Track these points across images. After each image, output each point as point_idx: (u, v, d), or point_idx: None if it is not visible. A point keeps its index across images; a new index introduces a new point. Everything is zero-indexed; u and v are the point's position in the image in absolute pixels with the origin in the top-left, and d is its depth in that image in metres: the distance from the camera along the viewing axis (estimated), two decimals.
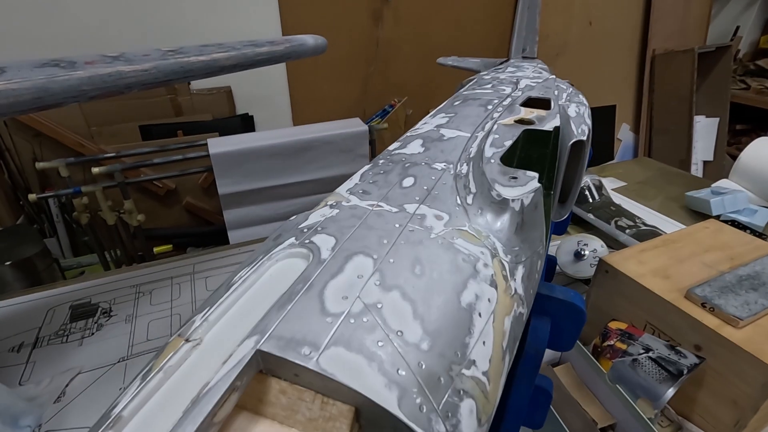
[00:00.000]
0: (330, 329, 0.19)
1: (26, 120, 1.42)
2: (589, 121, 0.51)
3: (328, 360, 0.18)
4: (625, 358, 0.59)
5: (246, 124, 1.76)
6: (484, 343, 0.21)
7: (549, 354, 0.70)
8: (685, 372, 0.55)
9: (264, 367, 0.19)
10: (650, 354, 0.58)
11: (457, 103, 0.52)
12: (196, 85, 1.67)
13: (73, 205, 1.40)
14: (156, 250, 1.67)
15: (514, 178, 0.28)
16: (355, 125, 1.54)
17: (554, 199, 0.50)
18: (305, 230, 0.26)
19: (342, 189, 0.31)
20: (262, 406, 0.18)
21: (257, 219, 1.51)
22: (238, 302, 0.21)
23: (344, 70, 1.92)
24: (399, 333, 0.19)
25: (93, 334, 0.75)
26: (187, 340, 0.19)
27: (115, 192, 1.36)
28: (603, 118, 2.43)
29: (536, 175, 0.28)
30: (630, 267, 0.67)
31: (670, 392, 0.54)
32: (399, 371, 0.18)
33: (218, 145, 1.37)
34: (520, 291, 0.26)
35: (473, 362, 0.20)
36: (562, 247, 0.91)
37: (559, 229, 0.82)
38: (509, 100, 0.50)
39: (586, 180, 1.10)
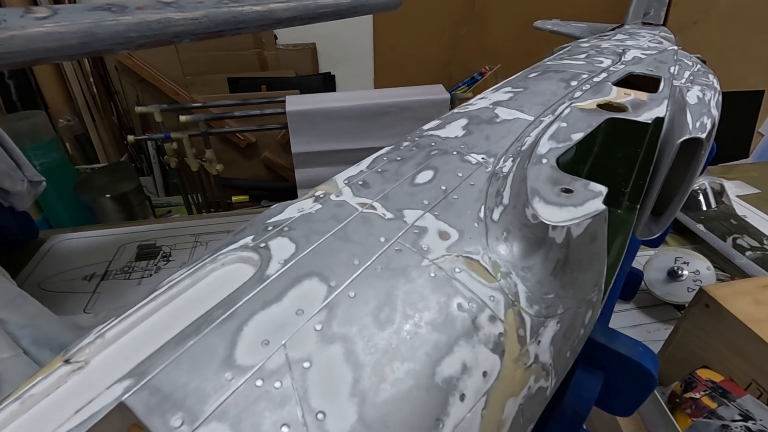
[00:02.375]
0: (224, 392, 0.13)
1: (132, 65, 1.54)
2: (715, 112, 0.38)
3: None
4: (711, 421, 0.47)
5: (327, 83, 1.74)
6: None
7: None
8: None
9: (142, 425, 0.14)
10: (750, 425, 0.45)
11: (533, 75, 0.42)
12: (282, 40, 1.67)
13: (164, 149, 1.51)
14: (234, 199, 1.76)
15: (567, 191, 0.19)
16: (437, 92, 1.44)
17: (644, 214, 0.38)
18: (269, 228, 0.20)
19: (341, 176, 0.25)
20: None
21: None
22: (150, 318, 0.17)
23: (434, 31, 1.79)
24: (319, 415, 0.13)
25: (151, 275, 0.80)
26: (66, 362, 0.15)
27: (199, 140, 1.43)
28: (742, 106, 1.99)
29: (603, 190, 0.19)
30: (742, 306, 0.52)
31: None
32: None
33: (295, 102, 1.36)
34: (545, 359, 0.18)
35: None
36: (653, 261, 0.76)
37: (652, 240, 0.68)
38: (604, 75, 0.38)
39: (702, 182, 0.90)
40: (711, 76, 0.46)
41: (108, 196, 1.43)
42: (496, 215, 0.20)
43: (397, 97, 1.42)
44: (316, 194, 0.23)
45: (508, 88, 0.38)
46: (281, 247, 0.19)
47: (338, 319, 0.15)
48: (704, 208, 0.88)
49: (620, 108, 0.29)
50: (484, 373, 0.16)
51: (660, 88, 0.32)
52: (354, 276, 0.17)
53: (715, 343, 0.53)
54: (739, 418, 0.45)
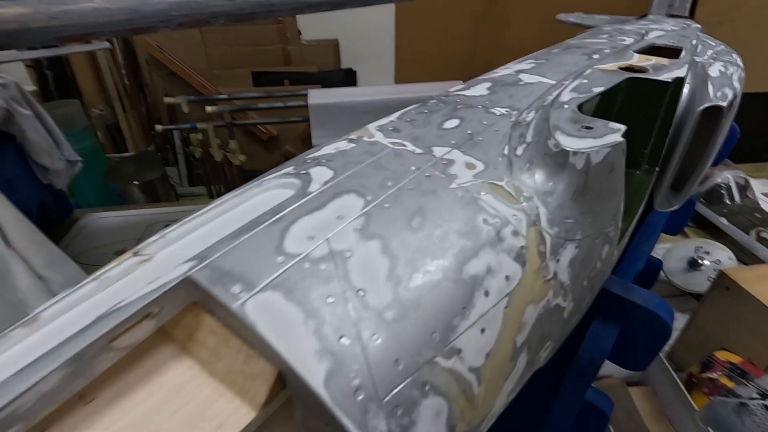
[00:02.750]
0: (276, 270, 0.15)
1: (162, 59, 1.59)
2: (737, 85, 0.38)
3: (256, 305, 0.14)
4: (729, 399, 0.47)
5: (348, 78, 1.77)
6: (482, 330, 0.16)
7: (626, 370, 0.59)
8: None
9: (201, 300, 0.16)
10: (767, 402, 0.45)
11: (555, 50, 0.43)
12: (306, 35, 1.70)
13: (190, 140, 1.55)
14: None
15: (588, 128, 0.21)
16: None
17: (664, 182, 0.39)
18: (308, 161, 0.22)
19: (372, 124, 0.27)
20: (190, 343, 0.16)
21: None
22: (205, 225, 0.19)
23: (455, 28, 1.80)
24: (360, 292, 0.15)
25: None
26: (135, 254, 0.17)
27: (223, 132, 1.48)
28: None
29: (621, 128, 0.20)
30: (764, 289, 0.52)
31: None
32: (341, 339, 0.13)
33: (318, 96, 1.39)
34: (564, 278, 0.19)
35: (457, 351, 0.15)
36: (673, 250, 0.75)
37: (671, 226, 0.68)
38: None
39: (727, 176, 0.89)
40: (734, 55, 0.47)
41: (135, 183, 1.48)
42: (519, 151, 0.21)
43: (417, 93, 1.43)
44: (350, 137, 0.25)
45: (531, 60, 0.39)
46: (320, 174, 0.20)
47: (374, 223, 0.17)
48: (728, 201, 0.87)
49: (641, 70, 0.30)
50: (507, 277, 0.17)
51: (681, 55, 0.33)
52: (389, 193, 0.19)
53: (735, 326, 0.53)
54: (758, 396, 0.45)
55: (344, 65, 1.79)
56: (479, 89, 0.31)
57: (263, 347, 0.14)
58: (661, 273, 0.75)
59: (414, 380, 0.14)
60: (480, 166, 0.21)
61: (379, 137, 0.24)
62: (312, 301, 0.14)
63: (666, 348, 0.64)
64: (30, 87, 1.54)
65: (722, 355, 0.51)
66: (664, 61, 0.32)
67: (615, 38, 0.46)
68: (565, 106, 0.24)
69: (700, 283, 0.69)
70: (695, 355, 0.56)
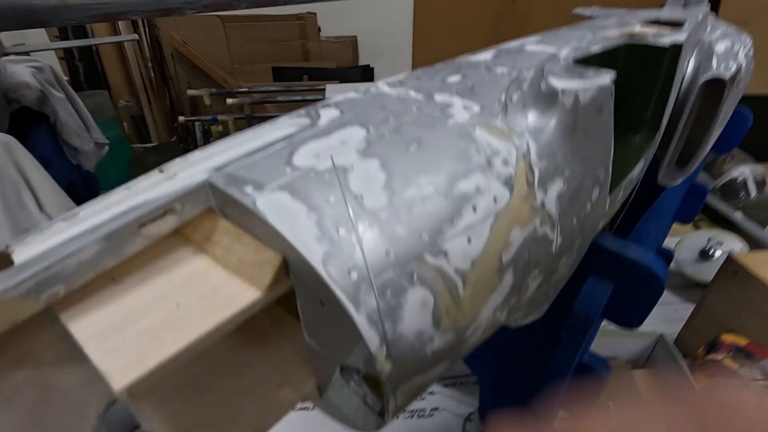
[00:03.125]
0: (284, 177, 0.17)
1: (186, 53, 1.65)
2: (743, 61, 0.39)
3: (266, 201, 0.16)
4: (731, 380, 0.47)
5: (366, 75, 1.79)
6: (469, 239, 0.17)
7: (631, 352, 0.59)
8: None
9: (217, 206, 0.18)
10: None
11: (563, 28, 0.44)
12: (326, 32, 1.73)
13: (211, 132, 1.60)
14: None
15: (581, 74, 0.22)
16: None
17: (668, 155, 0.40)
18: (318, 106, 0.24)
19: (380, 81, 0.28)
20: (207, 243, 0.18)
21: None
22: (223, 152, 0.21)
23: (473, 28, 1.81)
24: (358, 196, 0.16)
25: None
26: (160, 171, 0.19)
27: (242, 124, 1.52)
28: None
29: (611, 73, 0.22)
30: None
31: None
32: (339, 230, 0.15)
33: (335, 91, 1.42)
34: (551, 209, 0.21)
35: (444, 252, 0.16)
36: (685, 241, 0.75)
37: (682, 214, 0.68)
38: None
39: (744, 170, 0.88)
40: (744, 36, 0.47)
41: None
42: (515, 98, 0.23)
43: None
44: (358, 89, 0.27)
45: (538, 36, 0.41)
46: (329, 113, 0.22)
47: (375, 146, 0.19)
48: (743, 196, 0.86)
49: (642, 36, 0.31)
50: (495, 198, 0.18)
51: (684, 26, 0.34)
52: (390, 127, 0.20)
53: (742, 310, 0.53)
54: (761, 377, 0.45)
55: (362, 62, 1.82)
56: (484, 55, 0.33)
57: (270, 236, 0.16)
58: (673, 264, 0.75)
59: (402, 270, 0.15)
60: (476, 108, 0.22)
61: (385, 88, 0.26)
62: (315, 200, 0.16)
63: (673, 334, 0.63)
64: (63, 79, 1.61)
65: (728, 338, 0.51)
66: (665, 29, 0.33)
67: (623, 19, 0.47)
68: (561, 60, 0.25)
69: (711, 273, 0.68)
70: (702, 341, 0.56)
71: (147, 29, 1.62)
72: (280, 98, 1.48)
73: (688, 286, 0.74)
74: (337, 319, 0.15)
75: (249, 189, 0.16)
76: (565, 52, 0.27)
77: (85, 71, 1.61)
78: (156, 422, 0.19)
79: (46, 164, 0.72)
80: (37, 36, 1.45)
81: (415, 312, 0.16)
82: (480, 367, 0.49)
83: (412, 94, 0.24)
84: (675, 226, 0.79)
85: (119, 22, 1.56)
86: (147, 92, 1.67)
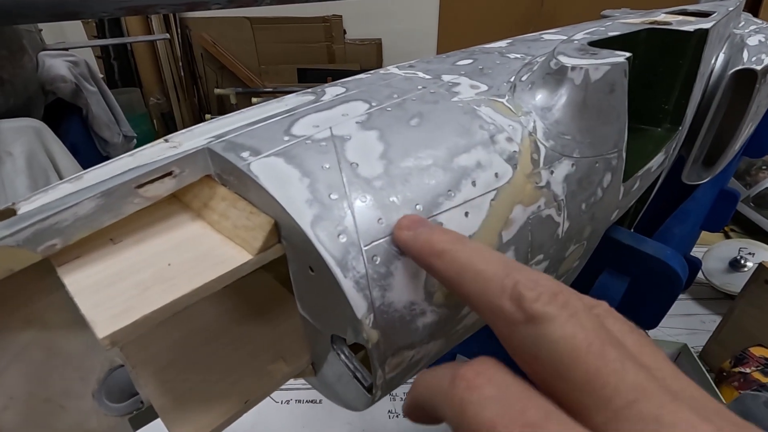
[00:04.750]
0: (281, 144, 0.17)
1: (215, 53, 1.70)
2: None
3: (261, 165, 0.16)
4: (760, 393, 0.44)
5: None
6: (466, 214, 0.17)
7: None
8: None
9: (215, 173, 0.18)
10: None
11: (586, 22, 0.43)
12: (351, 35, 1.75)
13: None
14: None
15: (593, 54, 0.21)
16: None
17: (693, 152, 0.38)
18: (325, 85, 0.24)
19: (392, 65, 0.28)
20: (204, 210, 0.18)
21: None
22: (227, 125, 0.21)
23: (499, 30, 1.79)
24: (353, 164, 0.16)
25: None
26: (166, 140, 0.20)
27: None
28: None
29: (627, 54, 0.21)
30: None
31: None
32: (331, 195, 0.15)
33: None
34: (558, 190, 0.20)
35: (439, 224, 0.16)
36: (714, 250, 0.71)
37: (711, 222, 0.64)
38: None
39: None
40: None
41: None
42: (524, 77, 0.22)
43: None
44: (368, 72, 0.26)
45: (559, 29, 0.40)
46: (334, 90, 0.22)
47: (375, 119, 0.19)
48: None
49: (664, 23, 0.30)
50: (496, 174, 0.18)
51: (711, 15, 0.33)
52: (393, 102, 0.20)
53: None
54: None
55: (386, 64, 1.83)
56: (500, 43, 0.32)
57: (264, 200, 0.15)
58: (700, 274, 0.71)
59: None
60: (484, 87, 0.22)
61: (394, 70, 0.26)
62: (309, 165, 0.16)
63: (699, 346, 0.60)
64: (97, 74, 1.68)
65: (758, 351, 0.48)
66: (691, 18, 0.32)
67: (648, 16, 0.45)
68: (576, 42, 0.24)
69: (740, 284, 0.65)
70: (729, 353, 0.53)
71: (179, 29, 1.68)
72: None
73: (716, 298, 0.70)
74: (326, 286, 0.15)
75: (245, 154, 0.16)
76: (581, 36, 0.26)
77: (119, 69, 1.67)
78: (151, 388, 0.19)
79: (76, 152, 0.75)
80: (77, 35, 1.52)
81: (406, 282, 0.15)
82: None
83: (420, 74, 0.24)
84: (704, 234, 0.76)
85: (153, 23, 1.61)
86: (177, 90, 1.72)
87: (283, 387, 0.24)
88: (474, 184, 0.17)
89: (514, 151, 0.19)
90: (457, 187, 0.17)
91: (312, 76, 1.78)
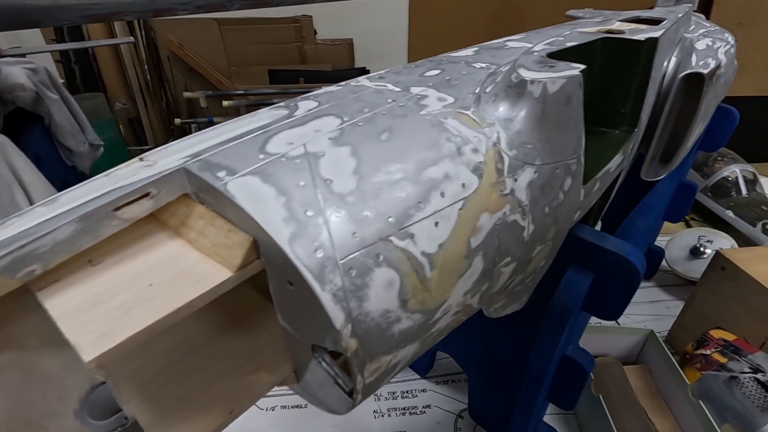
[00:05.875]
0: (256, 162, 0.17)
1: (182, 55, 1.66)
2: (723, 58, 0.40)
3: (237, 185, 0.16)
4: (720, 373, 0.47)
5: None
6: (436, 224, 0.18)
7: (622, 349, 0.60)
8: None
9: (192, 192, 0.18)
10: (758, 376, 0.45)
11: (548, 27, 0.45)
12: (322, 35, 1.74)
13: None
14: None
15: (551, 66, 0.22)
16: None
17: (650, 151, 0.40)
18: (298, 98, 0.25)
19: (362, 77, 0.29)
20: (182, 228, 0.18)
21: None
22: (201, 142, 0.21)
23: (469, 30, 1.82)
24: (327, 181, 0.17)
25: None
26: (140, 159, 0.20)
27: None
28: None
29: (581, 67, 0.22)
30: (760, 269, 0.52)
31: None
32: (306, 212, 0.16)
33: None
34: (522, 197, 0.21)
35: (411, 235, 0.17)
36: (676, 239, 0.75)
37: (672, 213, 0.68)
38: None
39: (734, 170, 0.88)
40: (727, 35, 0.48)
41: None
42: (488, 89, 0.24)
43: None
44: (339, 84, 0.27)
45: (522, 35, 0.41)
46: (307, 104, 0.23)
47: (347, 135, 0.19)
48: (734, 194, 0.86)
49: (619, 33, 0.32)
50: (463, 185, 0.19)
51: (662, 23, 0.35)
52: (364, 116, 0.21)
53: (730, 306, 0.53)
54: (749, 371, 0.46)
55: (358, 64, 1.83)
56: (466, 51, 0.33)
57: (241, 218, 0.16)
58: (664, 262, 0.75)
59: (368, 251, 0.16)
60: (450, 100, 0.23)
61: (364, 82, 0.26)
62: (284, 183, 0.16)
63: (665, 331, 0.64)
64: (58, 80, 1.62)
65: (717, 333, 0.52)
66: (643, 26, 0.34)
67: (608, 17, 0.48)
68: (536, 53, 0.25)
69: (701, 271, 0.69)
70: (692, 337, 0.56)
71: (143, 32, 1.63)
72: (276, 101, 1.48)
73: (679, 284, 0.74)
74: (305, 299, 0.15)
75: (222, 174, 0.17)
76: (540, 47, 0.28)
77: (81, 74, 1.61)
78: (134, 404, 0.20)
79: (40, 164, 0.73)
80: (33, 39, 1.46)
81: (381, 291, 0.16)
82: (469, 363, 0.49)
83: (390, 86, 0.25)
84: (666, 225, 0.80)
85: (115, 25, 1.56)
86: (143, 95, 1.67)
87: (267, 394, 0.24)
88: (443, 195, 0.18)
89: (480, 162, 0.20)
90: (426, 198, 0.18)
91: (284, 77, 1.76)
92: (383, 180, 0.18)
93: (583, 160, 0.24)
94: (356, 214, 0.16)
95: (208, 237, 0.17)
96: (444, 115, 0.21)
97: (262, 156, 0.18)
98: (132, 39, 1.37)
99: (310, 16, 1.71)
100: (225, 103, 1.41)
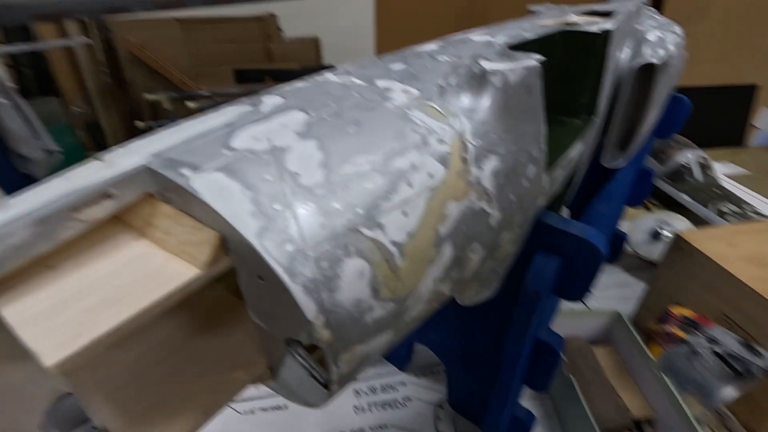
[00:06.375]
0: (221, 158, 0.17)
1: (143, 56, 1.60)
2: (672, 48, 0.42)
3: (202, 181, 0.16)
4: (681, 348, 0.50)
5: None
6: (404, 213, 0.18)
7: (591, 331, 0.62)
8: (756, 373, 0.44)
9: (155, 191, 0.18)
10: (715, 348, 0.48)
11: (511, 21, 0.46)
12: (288, 33, 1.72)
13: None
14: None
15: (511, 57, 0.23)
16: None
17: (609, 139, 0.42)
18: (262, 93, 0.24)
19: (327, 71, 0.29)
20: (147, 228, 0.18)
21: None
22: (162, 139, 0.21)
23: (435, 25, 1.84)
24: (294, 174, 0.17)
25: None
26: (97, 159, 0.19)
27: None
28: (736, 99, 2.02)
29: (540, 58, 0.23)
30: (715, 247, 0.55)
31: (730, 392, 0.44)
32: (274, 205, 0.16)
33: None
34: (487, 185, 0.22)
35: (379, 225, 0.17)
36: (637, 224, 0.79)
37: (632, 198, 0.71)
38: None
39: (688, 155, 0.93)
40: (676, 27, 0.50)
41: None
42: (452, 81, 0.24)
43: None
44: (305, 79, 0.27)
45: (485, 28, 0.42)
46: (272, 100, 0.23)
47: (314, 128, 0.19)
48: (690, 179, 0.91)
49: (574, 24, 0.33)
50: (430, 174, 0.19)
51: (614, 15, 0.36)
52: (330, 111, 0.21)
53: (689, 283, 0.56)
54: (707, 344, 0.48)
55: (326, 62, 1.81)
56: (431, 45, 0.34)
57: (208, 215, 0.16)
58: (627, 246, 0.78)
59: (338, 242, 0.16)
60: (415, 93, 0.23)
61: (330, 77, 0.26)
62: (250, 178, 0.16)
63: (631, 312, 0.67)
64: (7, 85, 1.53)
65: (677, 310, 0.55)
66: (597, 18, 0.35)
67: (565, 11, 0.49)
68: (496, 46, 0.26)
69: (662, 252, 0.72)
70: (656, 315, 0.59)
71: (99, 32, 1.56)
72: None
73: (643, 267, 0.78)
74: (276, 293, 0.15)
75: (185, 170, 0.17)
76: (501, 39, 0.28)
77: (34, 78, 1.53)
78: (105, 413, 0.19)
79: None
80: None
81: (352, 281, 0.16)
82: (446, 353, 0.50)
83: (355, 80, 0.25)
84: (628, 210, 0.83)
85: (68, 26, 1.49)
86: (102, 98, 1.61)
87: (244, 397, 0.23)
88: (410, 185, 0.19)
89: (446, 152, 0.20)
90: (394, 189, 0.18)
91: (250, 77, 1.73)
92: (351, 172, 0.18)
93: (544, 147, 0.25)
94: (325, 206, 0.16)
95: (175, 236, 0.17)
96: (409, 106, 0.22)
97: (226, 152, 0.18)
98: (88, 40, 1.31)
99: (275, 15, 1.69)
100: (190, 104, 1.37)
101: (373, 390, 0.57)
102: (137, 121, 1.41)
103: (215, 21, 1.66)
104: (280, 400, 0.55)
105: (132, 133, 1.74)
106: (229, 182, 0.16)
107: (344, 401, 0.55)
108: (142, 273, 0.16)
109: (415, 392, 0.57)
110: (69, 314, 0.14)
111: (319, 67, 1.74)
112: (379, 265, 0.17)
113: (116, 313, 0.14)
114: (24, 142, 0.83)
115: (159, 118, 1.71)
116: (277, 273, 0.15)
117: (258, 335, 0.19)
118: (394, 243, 0.18)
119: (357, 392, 0.57)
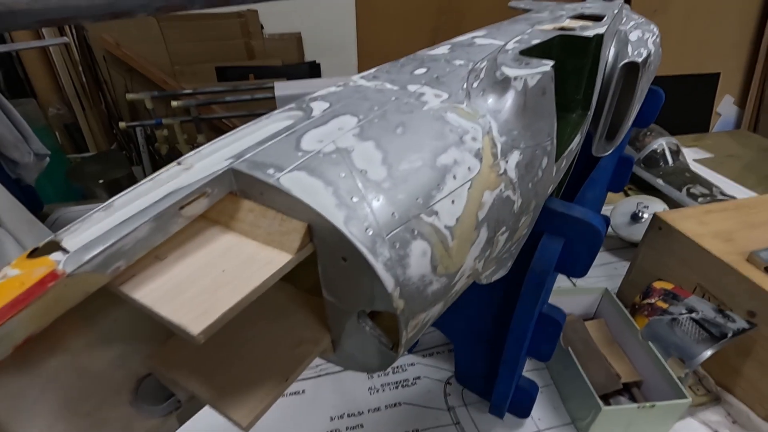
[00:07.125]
0: (298, 159, 0.20)
1: (120, 55, 1.57)
2: (652, 47, 0.46)
3: (288, 180, 0.19)
4: (663, 317, 0.55)
5: (313, 71, 1.80)
6: (453, 201, 0.21)
7: (582, 307, 0.67)
8: (729, 335, 0.50)
9: (237, 189, 0.21)
10: (693, 315, 0.54)
11: (505, 23, 0.49)
12: (269, 29, 1.72)
13: (155, 136, 1.54)
14: None
15: (527, 63, 0.27)
16: None
17: (599, 130, 0.46)
18: (307, 100, 0.27)
19: (355, 76, 0.32)
20: (232, 222, 0.20)
21: None
22: (231, 144, 0.23)
23: (415, 20, 1.86)
24: (363, 171, 0.20)
25: None
26: (178, 164, 0.22)
27: (190, 127, 1.48)
28: (700, 88, 2.13)
29: (551, 62, 0.26)
30: (688, 226, 0.61)
31: (707, 353, 0.49)
32: (352, 198, 0.19)
33: (284, 88, 1.42)
34: (512, 175, 0.25)
35: (435, 212, 0.20)
36: (618, 207, 0.85)
37: (614, 184, 0.76)
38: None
39: (661, 143, 1.00)
40: (652, 26, 0.55)
41: (101, 182, 1.46)
42: (474, 84, 0.27)
43: None
44: (338, 84, 0.30)
45: (484, 31, 0.46)
46: (319, 105, 0.25)
47: (367, 131, 0.22)
48: (663, 165, 0.98)
49: (571, 29, 0.37)
50: (469, 168, 0.23)
51: (603, 19, 0.40)
52: (376, 114, 0.24)
53: (667, 259, 0.62)
54: (685, 312, 0.54)
55: (308, 58, 1.82)
56: (441, 49, 0.37)
57: (294, 208, 0.19)
58: (610, 229, 0.84)
59: (406, 227, 0.19)
60: (445, 96, 0.26)
61: (362, 82, 0.29)
62: (328, 176, 0.19)
63: (615, 288, 0.72)
64: None
65: (658, 284, 0.60)
66: (589, 23, 0.39)
67: (555, 12, 0.53)
68: (509, 51, 0.29)
69: (641, 233, 0.78)
70: (638, 290, 0.64)
71: (74, 31, 1.52)
72: (227, 98, 1.45)
73: (624, 247, 0.84)
74: (357, 271, 0.18)
75: (271, 171, 0.19)
76: (512, 45, 0.32)
77: (5, 79, 1.48)
78: (194, 386, 0.22)
79: None
80: None
81: (418, 260, 0.19)
82: (454, 332, 0.54)
83: (388, 85, 0.28)
84: (610, 195, 0.89)
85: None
86: (80, 99, 1.57)
87: None
88: (455, 177, 0.22)
89: (479, 148, 0.24)
90: (443, 181, 0.21)
91: (232, 74, 1.72)
92: (408, 168, 0.21)
93: (555, 141, 0.29)
94: (392, 197, 0.19)
95: (262, 227, 0.20)
96: (443, 109, 0.25)
97: (300, 153, 0.20)
98: (66, 39, 1.28)
99: (256, 11, 1.68)
100: (174, 103, 1.36)
101: (385, 372, 0.61)
102: (120, 122, 1.39)
103: (193, 18, 1.64)
104: (298, 386, 0.58)
105: (112, 133, 1.71)
106: (311, 180, 0.19)
107: (359, 384, 0.59)
108: (243, 259, 0.18)
109: (424, 371, 0.61)
110: (192, 293, 0.17)
111: (302, 63, 1.75)
112: (436, 245, 0.20)
113: (235, 291, 0.17)
114: (14, 147, 0.82)
115: (139, 118, 1.69)
116: (364, 253, 0.18)
117: (328, 311, 0.22)
118: (447, 227, 0.21)
119: (370, 375, 0.60)
